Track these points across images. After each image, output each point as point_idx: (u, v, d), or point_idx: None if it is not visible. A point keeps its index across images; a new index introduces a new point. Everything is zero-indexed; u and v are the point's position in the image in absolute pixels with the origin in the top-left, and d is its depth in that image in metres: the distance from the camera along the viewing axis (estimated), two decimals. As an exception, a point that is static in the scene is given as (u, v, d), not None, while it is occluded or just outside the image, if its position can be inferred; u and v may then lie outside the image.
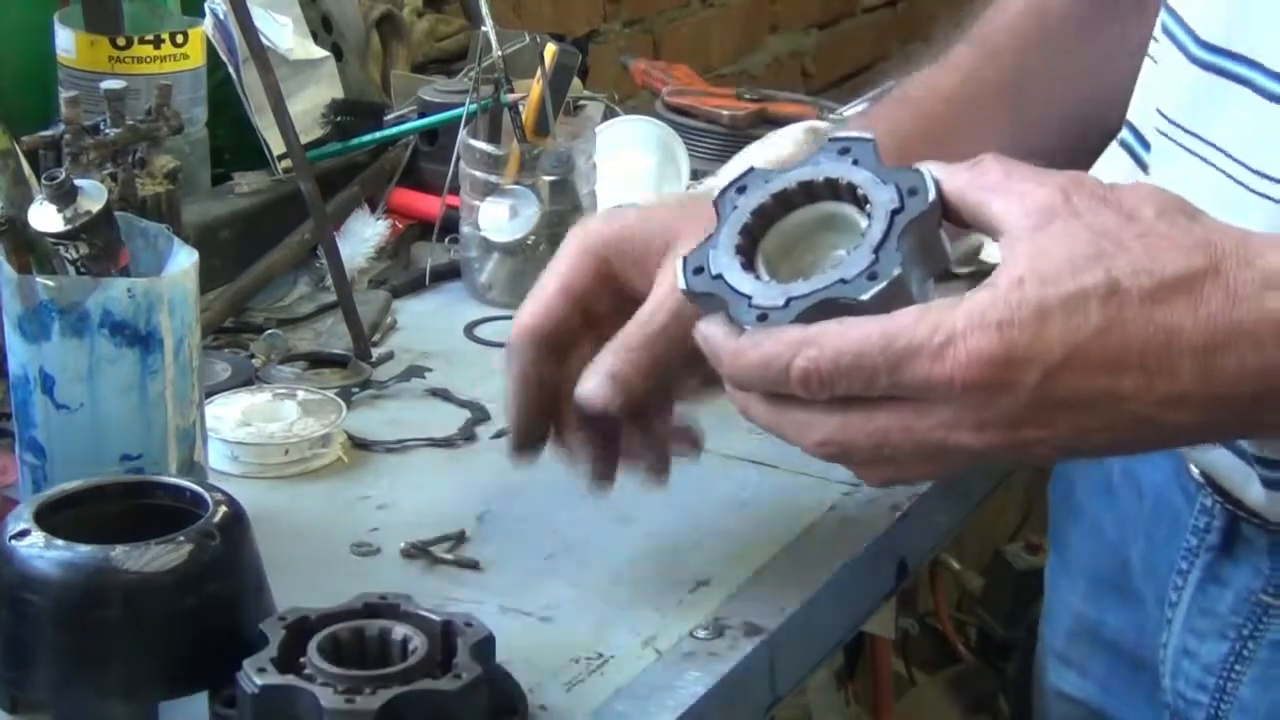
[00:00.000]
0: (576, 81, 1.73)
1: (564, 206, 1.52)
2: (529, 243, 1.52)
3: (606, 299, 0.99)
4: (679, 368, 0.95)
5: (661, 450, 1.02)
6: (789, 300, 0.78)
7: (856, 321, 0.76)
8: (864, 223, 0.80)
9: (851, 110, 1.86)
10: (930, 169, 0.80)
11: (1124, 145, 1.01)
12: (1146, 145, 0.97)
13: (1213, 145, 0.88)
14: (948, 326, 0.74)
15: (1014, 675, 2.32)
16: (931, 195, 0.78)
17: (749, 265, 0.81)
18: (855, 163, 0.81)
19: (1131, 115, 1.00)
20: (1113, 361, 0.73)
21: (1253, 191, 0.86)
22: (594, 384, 0.94)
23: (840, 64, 3.25)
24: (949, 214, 0.80)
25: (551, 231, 1.52)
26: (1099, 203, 0.76)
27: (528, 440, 1.04)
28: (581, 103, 1.83)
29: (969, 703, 2.45)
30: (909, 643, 2.43)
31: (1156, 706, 1.01)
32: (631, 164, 1.67)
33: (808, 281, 0.78)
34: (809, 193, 0.83)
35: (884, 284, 0.76)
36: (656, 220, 0.98)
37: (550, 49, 1.56)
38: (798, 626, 1.08)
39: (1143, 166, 0.98)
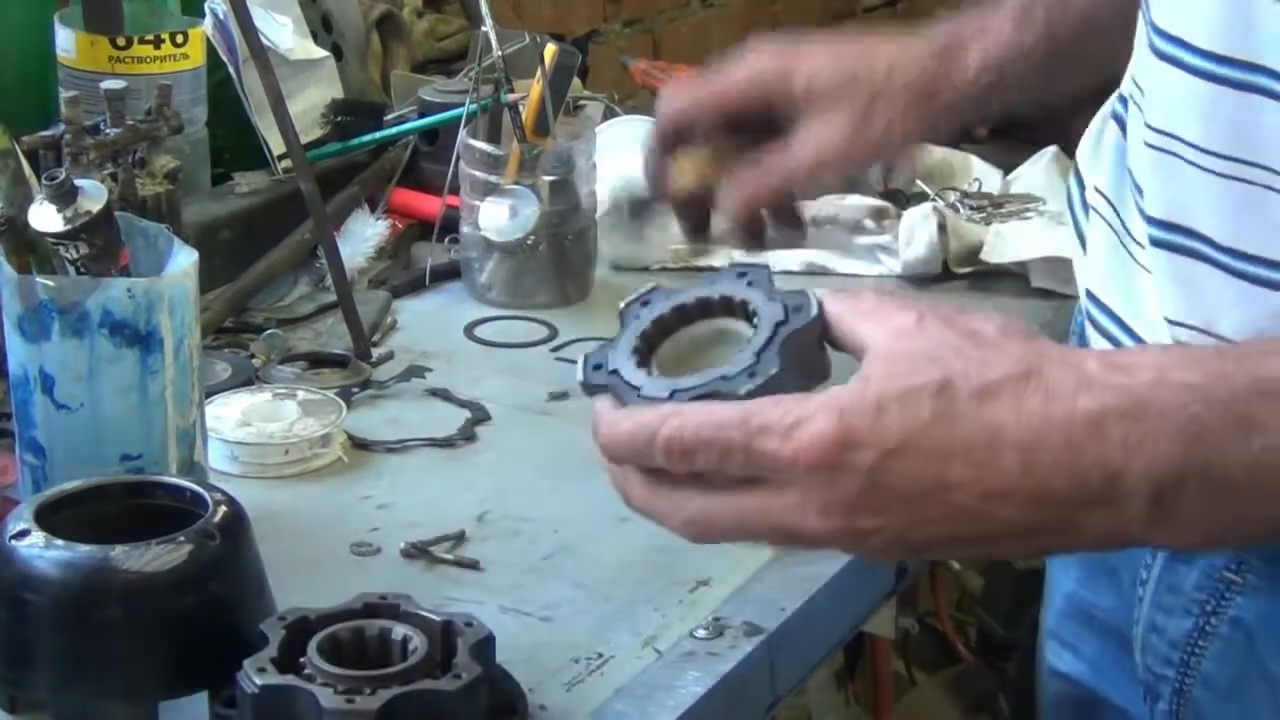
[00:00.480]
0: (576, 81, 1.73)
1: (564, 206, 1.52)
2: (529, 243, 1.52)
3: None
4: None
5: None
6: (673, 392, 0.84)
7: (723, 404, 0.82)
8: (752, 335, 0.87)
9: None
10: (815, 293, 0.87)
11: (1116, 119, 1.03)
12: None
13: (1160, 131, 0.91)
14: (798, 410, 0.80)
15: (1014, 675, 2.31)
16: (814, 311, 0.85)
17: (643, 365, 0.88)
18: (750, 285, 0.88)
19: (1125, 88, 1.02)
20: (942, 451, 0.78)
21: (1200, 168, 0.88)
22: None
23: (840, 64, 3.25)
24: (829, 335, 0.86)
25: (551, 231, 1.52)
26: (947, 324, 0.83)
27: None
28: (581, 103, 1.84)
29: (969, 703, 2.44)
30: (909, 643, 2.43)
31: (1138, 684, 1.03)
32: (631, 164, 1.67)
33: (693, 377, 0.85)
34: (705, 309, 0.89)
35: (761, 380, 0.83)
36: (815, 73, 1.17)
37: (550, 49, 1.56)
38: (798, 626, 1.08)
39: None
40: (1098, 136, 1.07)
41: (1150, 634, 1.00)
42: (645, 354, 0.88)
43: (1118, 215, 1.00)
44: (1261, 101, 0.85)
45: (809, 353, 0.85)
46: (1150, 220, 0.92)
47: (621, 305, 0.90)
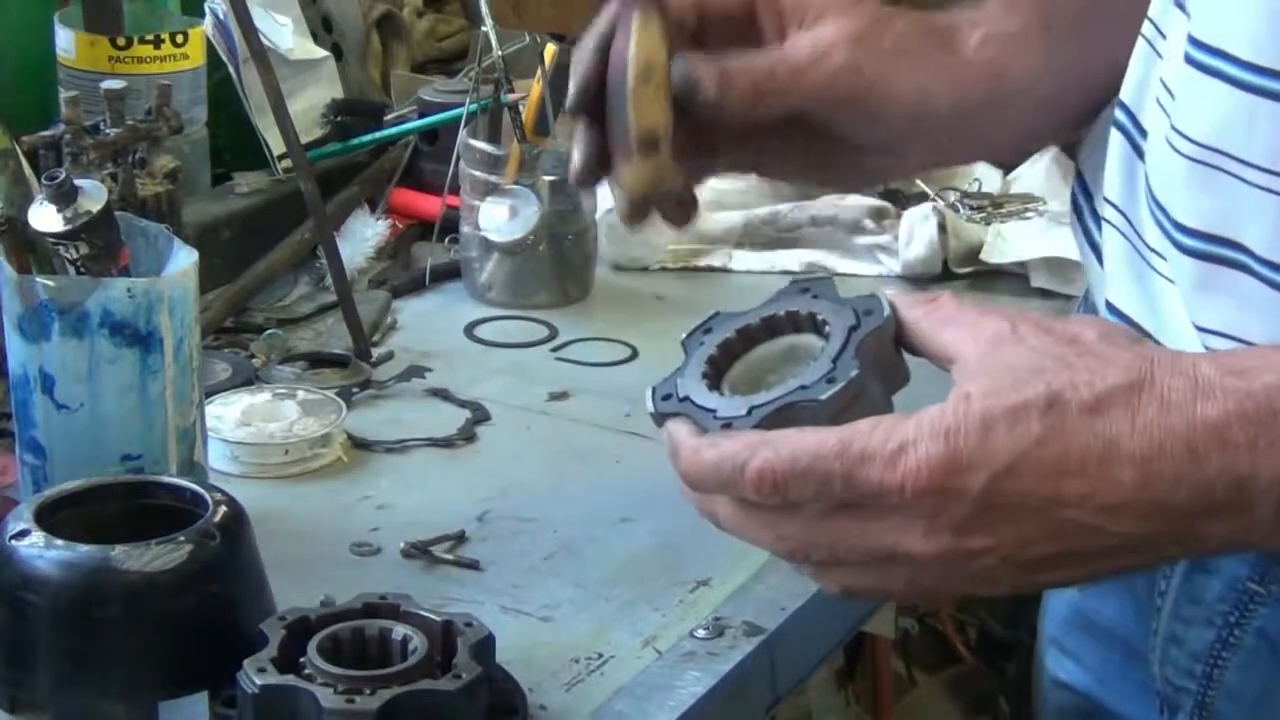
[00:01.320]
0: (577, 81, 1.73)
1: (564, 206, 1.52)
2: (529, 243, 1.52)
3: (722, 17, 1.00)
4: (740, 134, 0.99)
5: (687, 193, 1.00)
6: (751, 409, 0.81)
7: (814, 429, 0.79)
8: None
9: None
10: (886, 294, 0.85)
11: (1120, 128, 1.02)
12: (1144, 133, 0.98)
13: (1200, 144, 0.90)
14: (900, 435, 0.77)
15: (1014, 675, 2.31)
16: (885, 312, 0.83)
17: (714, 389, 0.85)
18: (815, 298, 0.86)
19: (1126, 97, 1.01)
20: (1054, 468, 0.76)
21: (1245, 182, 0.87)
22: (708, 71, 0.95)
23: (840, 64, 3.25)
24: (905, 341, 0.84)
25: (551, 231, 1.52)
26: (1043, 332, 0.80)
27: (578, 100, 0.99)
28: (581, 103, 1.83)
29: (969, 703, 2.44)
30: (909, 643, 2.43)
31: (1148, 694, 1.02)
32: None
33: (769, 392, 0.82)
34: (771, 327, 0.87)
35: (841, 385, 0.80)
36: None
37: (550, 49, 1.57)
38: (798, 626, 1.08)
39: (1139, 154, 0.99)
40: (1100, 145, 1.05)
41: (1169, 645, 0.98)
42: (715, 379, 0.85)
43: (1131, 225, 0.98)
44: None
45: (886, 355, 0.83)
46: (1183, 230, 0.90)
47: (684, 336, 0.88)
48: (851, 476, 0.77)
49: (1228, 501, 0.76)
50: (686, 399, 0.84)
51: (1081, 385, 0.77)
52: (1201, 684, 0.96)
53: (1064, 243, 1.53)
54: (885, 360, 0.83)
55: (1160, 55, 0.97)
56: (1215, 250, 0.89)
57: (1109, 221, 1.01)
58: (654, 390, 0.86)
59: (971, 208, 1.69)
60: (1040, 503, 0.77)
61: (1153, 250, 0.94)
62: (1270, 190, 0.85)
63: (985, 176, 1.75)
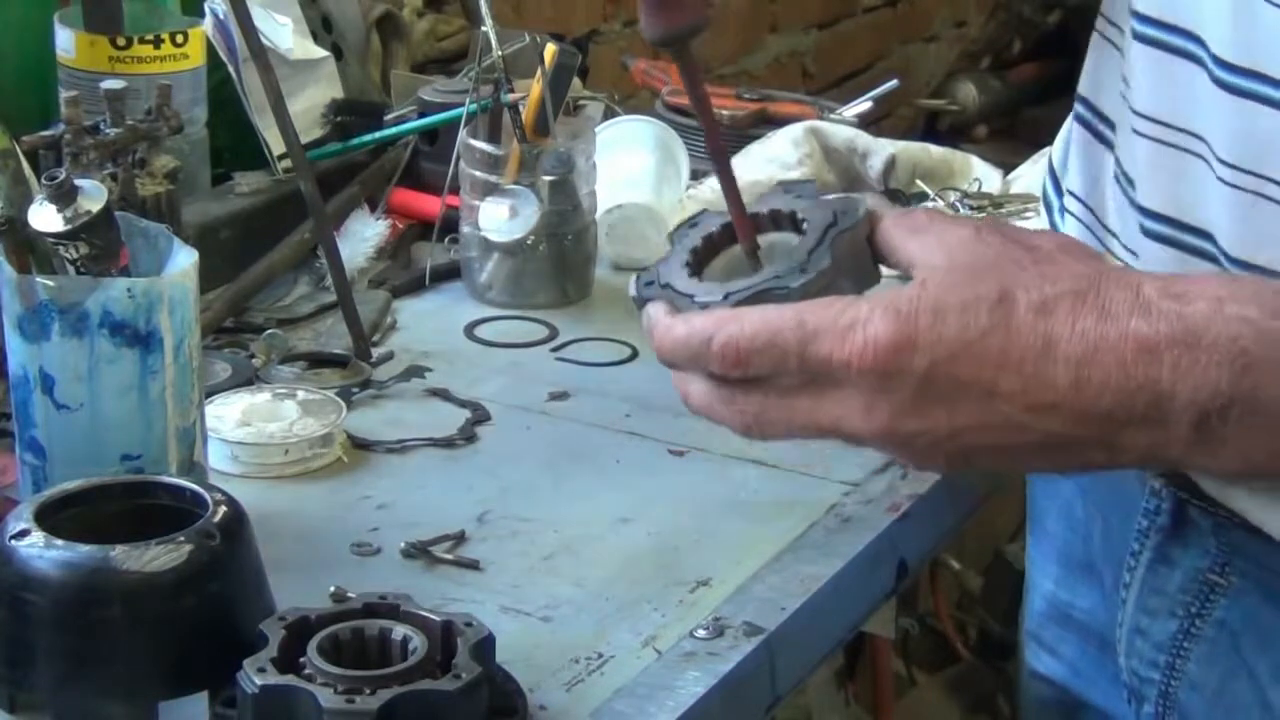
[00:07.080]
0: (576, 81, 1.73)
1: (564, 206, 1.52)
2: (529, 243, 1.52)
3: None
4: None
5: None
6: (727, 294, 0.85)
7: (777, 306, 0.83)
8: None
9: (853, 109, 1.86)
10: (864, 197, 0.87)
11: (1080, 120, 1.03)
12: (1111, 125, 0.99)
13: (1165, 125, 0.91)
14: (853, 312, 0.81)
15: (1013, 675, 2.31)
16: (861, 213, 0.86)
17: (695, 275, 0.88)
18: (797, 197, 0.88)
19: (1084, 89, 1.02)
20: (995, 361, 0.80)
21: (1212, 174, 0.88)
22: None
23: (840, 64, 3.25)
24: (876, 249, 0.86)
25: (551, 231, 1.52)
26: (1005, 238, 0.84)
27: None
28: (581, 103, 1.84)
29: (969, 703, 2.44)
30: (909, 643, 2.43)
31: (1120, 685, 1.03)
32: (631, 164, 1.67)
33: (746, 280, 0.85)
34: (754, 225, 0.89)
35: (813, 274, 0.83)
36: None
37: (550, 49, 1.56)
38: (798, 626, 1.08)
39: (1100, 141, 1.00)
40: (1066, 142, 1.06)
41: (1135, 636, 1.00)
42: (696, 268, 0.88)
43: (1091, 212, 1.00)
44: (1263, 109, 0.84)
45: (859, 253, 0.86)
46: (1145, 212, 0.92)
47: (670, 229, 0.90)
48: (805, 351, 0.81)
49: (1146, 415, 0.79)
50: (668, 285, 0.87)
51: (1032, 288, 0.80)
52: (1165, 674, 0.98)
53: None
54: (858, 258, 0.86)
55: (1120, 50, 0.98)
56: (1175, 235, 0.91)
57: (1071, 212, 1.02)
58: (638, 276, 0.89)
59: (971, 207, 1.69)
60: (976, 393, 0.80)
61: (1111, 232, 0.96)
62: (1232, 185, 0.86)
63: (985, 176, 1.75)
